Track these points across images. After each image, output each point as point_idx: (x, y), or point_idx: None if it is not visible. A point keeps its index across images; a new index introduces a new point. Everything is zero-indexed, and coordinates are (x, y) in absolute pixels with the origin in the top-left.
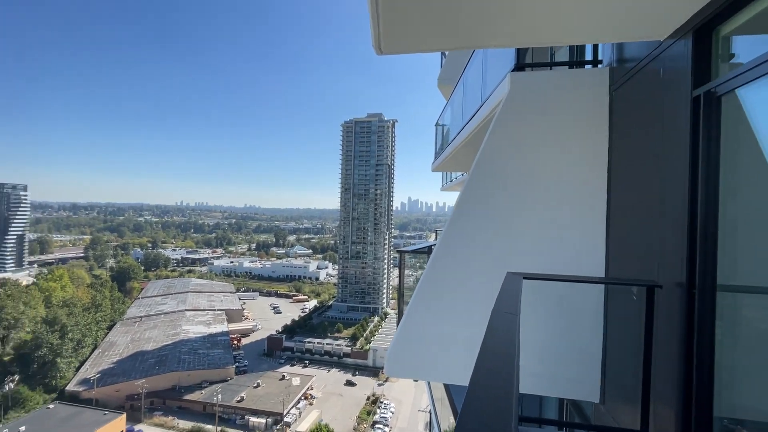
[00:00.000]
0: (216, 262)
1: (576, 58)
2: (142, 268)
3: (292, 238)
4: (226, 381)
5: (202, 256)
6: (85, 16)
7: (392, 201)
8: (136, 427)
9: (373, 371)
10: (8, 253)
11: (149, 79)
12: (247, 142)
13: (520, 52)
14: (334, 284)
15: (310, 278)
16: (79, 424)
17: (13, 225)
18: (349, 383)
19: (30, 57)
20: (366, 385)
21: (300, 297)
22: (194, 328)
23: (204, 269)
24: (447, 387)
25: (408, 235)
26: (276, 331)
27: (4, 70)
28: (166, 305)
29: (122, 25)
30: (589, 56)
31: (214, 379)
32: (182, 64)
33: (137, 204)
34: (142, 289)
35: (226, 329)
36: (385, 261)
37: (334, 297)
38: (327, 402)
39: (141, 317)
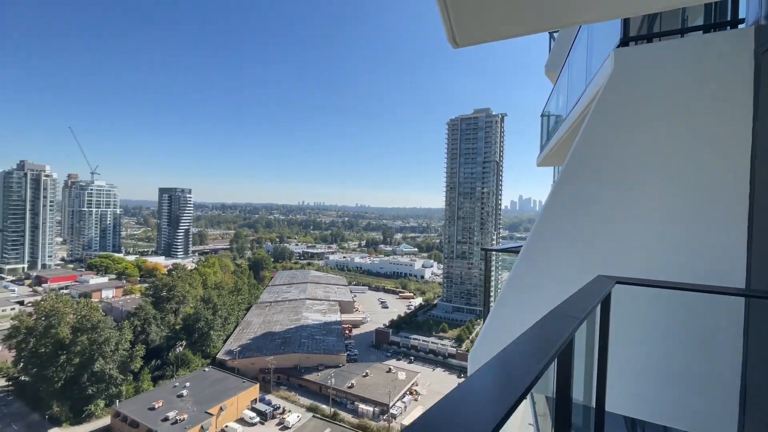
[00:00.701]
0: (331, 257)
1: (707, 21)
2: (272, 259)
3: (398, 236)
4: (339, 367)
5: (319, 250)
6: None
7: (500, 199)
8: (267, 397)
9: None
10: (179, 243)
11: (268, 85)
12: (356, 143)
13: (626, 24)
14: (439, 283)
15: (415, 276)
16: (226, 387)
17: (182, 221)
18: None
19: (182, 79)
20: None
21: (406, 294)
22: (312, 316)
23: (321, 263)
24: (548, 400)
25: (519, 235)
26: (383, 324)
27: (175, 94)
28: (290, 293)
29: (230, 26)
30: (709, 19)
31: (328, 364)
32: (289, 67)
33: (268, 204)
34: (271, 277)
35: (339, 319)
36: (493, 262)
37: (439, 296)
38: (432, 400)
39: (270, 302)
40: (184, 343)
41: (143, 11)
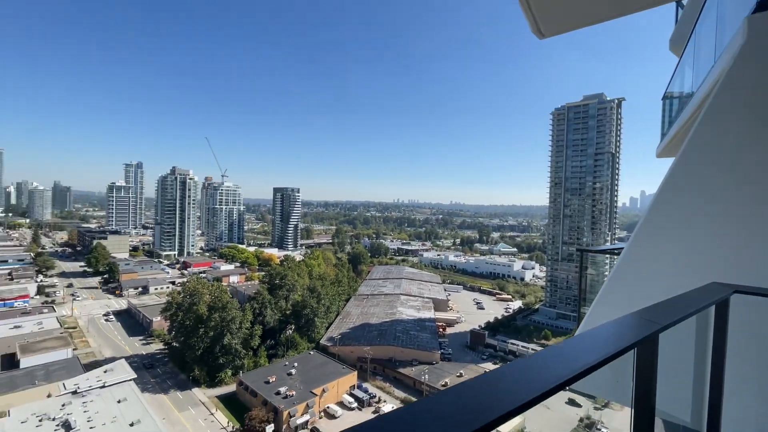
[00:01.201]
0: (425, 254)
1: None
2: (369, 254)
3: (495, 235)
4: (432, 364)
5: (413, 247)
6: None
7: (616, 196)
8: (364, 384)
9: None
10: (289, 237)
11: (370, 87)
12: (450, 139)
13: None
14: (542, 287)
15: (514, 278)
16: (327, 371)
17: (292, 217)
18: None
19: (294, 90)
20: (582, 404)
21: (504, 296)
22: (407, 311)
23: (415, 259)
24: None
25: None
26: (479, 326)
27: (288, 103)
28: (386, 288)
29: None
30: None
31: (422, 360)
32: (390, 66)
33: (365, 202)
34: (368, 272)
35: (432, 316)
36: (607, 266)
37: (541, 301)
38: (532, 411)
39: (367, 295)
40: (293, 327)
41: (262, 24)
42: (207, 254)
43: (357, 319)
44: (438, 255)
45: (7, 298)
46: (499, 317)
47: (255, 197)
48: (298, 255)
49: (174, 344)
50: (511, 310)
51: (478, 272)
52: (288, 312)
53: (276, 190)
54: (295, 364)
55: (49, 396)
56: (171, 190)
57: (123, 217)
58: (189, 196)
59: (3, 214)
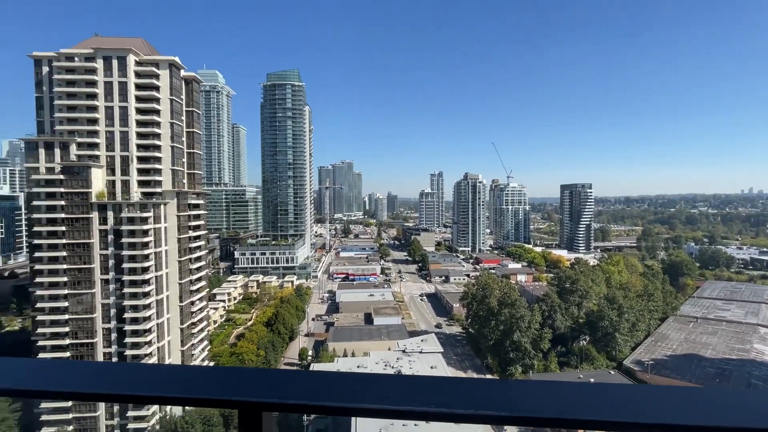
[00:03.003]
0: None
1: None
2: (697, 264)
3: None
4: None
5: None
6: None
7: None
8: None
9: None
10: (580, 238)
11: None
12: None
13: None
14: None
15: None
16: None
17: (583, 216)
18: None
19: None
20: None
21: None
22: None
23: None
24: None
25: None
26: None
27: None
28: (729, 312)
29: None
30: None
31: None
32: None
33: (689, 195)
34: (697, 287)
35: None
36: None
37: None
38: None
39: (697, 318)
40: (587, 338)
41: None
42: (495, 252)
43: (678, 347)
44: None
45: (366, 274)
46: None
47: (540, 196)
48: (591, 259)
49: (470, 330)
50: None
51: None
52: (581, 321)
53: (564, 188)
54: (591, 380)
55: (389, 349)
56: (464, 194)
57: (430, 217)
58: (479, 198)
59: (362, 216)
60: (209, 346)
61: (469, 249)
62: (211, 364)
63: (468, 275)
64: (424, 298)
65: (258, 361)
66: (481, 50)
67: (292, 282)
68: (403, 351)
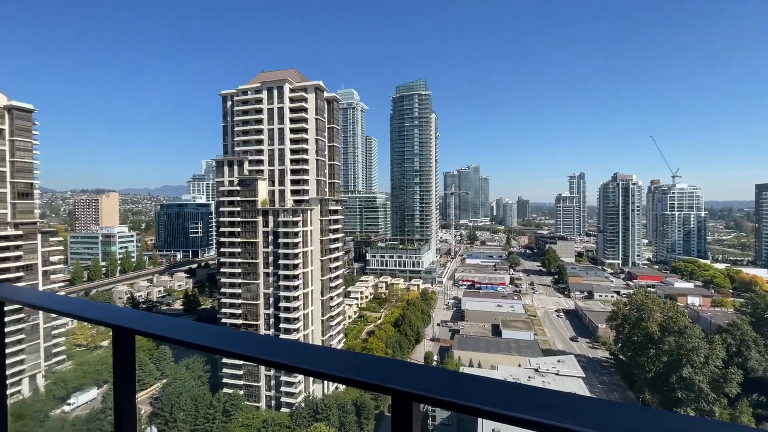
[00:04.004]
0: None
1: None
2: None
3: None
4: None
5: None
6: None
7: None
8: None
9: None
10: None
11: None
12: None
13: None
14: None
15: None
16: None
17: None
18: None
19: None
20: None
21: None
22: None
23: None
24: None
25: None
26: None
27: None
28: None
29: None
30: None
31: None
32: None
33: None
34: None
35: None
36: None
37: None
38: None
39: None
40: None
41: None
42: (656, 267)
43: None
44: None
45: (493, 283)
46: None
47: (723, 199)
48: None
49: (621, 357)
50: None
51: None
52: None
53: (761, 188)
54: None
55: (519, 366)
56: (613, 197)
57: (568, 224)
58: (633, 203)
59: (489, 223)
60: (344, 339)
61: (619, 262)
62: None
63: (618, 292)
64: (561, 314)
65: None
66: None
67: (418, 286)
68: (536, 370)
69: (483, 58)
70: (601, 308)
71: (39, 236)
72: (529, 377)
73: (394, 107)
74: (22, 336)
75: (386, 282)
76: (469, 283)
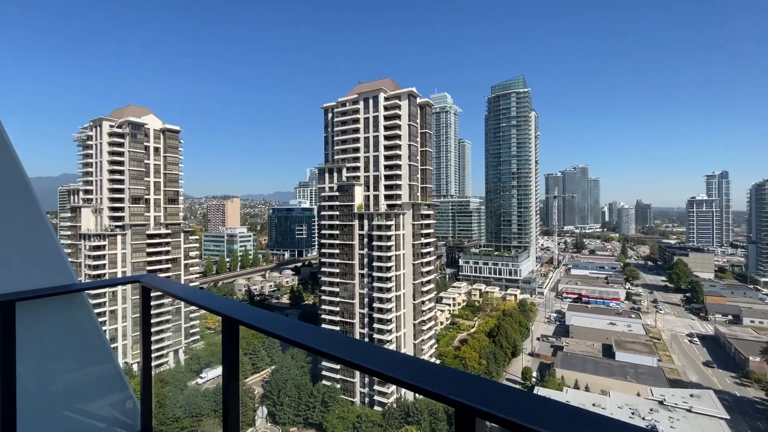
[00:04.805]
0: None
1: None
2: None
3: None
4: None
5: None
6: None
7: None
8: None
9: None
10: None
11: None
12: None
13: None
14: None
15: None
16: None
17: None
18: None
19: None
20: None
21: None
22: None
23: None
24: None
25: None
26: None
27: None
28: None
29: None
30: None
31: None
32: None
33: None
34: None
35: None
36: None
37: None
38: None
39: None
40: None
41: None
42: None
43: None
44: None
45: (605, 298)
46: None
47: None
48: None
49: None
50: None
51: None
52: None
53: None
54: None
55: (638, 395)
56: None
57: (705, 233)
58: None
59: (600, 230)
60: (436, 345)
61: None
62: (437, 362)
63: None
64: (695, 339)
65: (480, 370)
66: None
67: (515, 295)
68: (660, 402)
69: (596, 50)
70: (753, 336)
71: (182, 235)
72: (651, 410)
73: (489, 108)
74: (169, 317)
75: (480, 290)
76: (575, 296)
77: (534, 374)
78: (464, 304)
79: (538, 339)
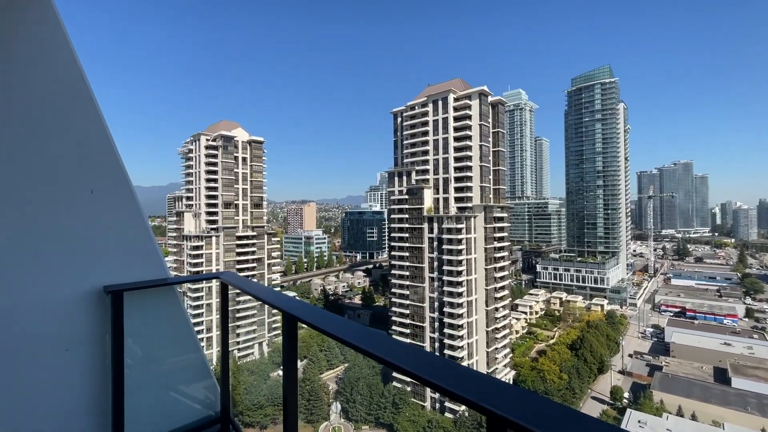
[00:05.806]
0: None
1: None
2: None
3: None
4: None
5: None
6: None
7: None
8: None
9: None
10: None
11: None
12: None
13: None
14: None
15: None
16: None
17: None
18: None
19: None
20: None
21: None
22: None
23: None
24: None
25: None
26: None
27: None
28: None
29: None
30: None
31: None
32: None
33: None
34: None
35: None
36: None
37: None
38: None
39: None
40: None
41: None
42: None
43: None
44: None
45: (717, 314)
46: None
47: None
48: None
49: None
50: None
51: None
52: None
53: None
54: None
55: (762, 431)
56: None
57: None
58: None
59: (709, 234)
60: (511, 354)
61: None
62: (513, 372)
63: None
64: None
65: (561, 385)
66: None
67: (602, 306)
68: None
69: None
70: None
71: (266, 237)
72: None
73: (569, 102)
74: (255, 311)
75: (560, 298)
76: (676, 309)
77: (626, 395)
78: (542, 312)
79: (630, 356)
